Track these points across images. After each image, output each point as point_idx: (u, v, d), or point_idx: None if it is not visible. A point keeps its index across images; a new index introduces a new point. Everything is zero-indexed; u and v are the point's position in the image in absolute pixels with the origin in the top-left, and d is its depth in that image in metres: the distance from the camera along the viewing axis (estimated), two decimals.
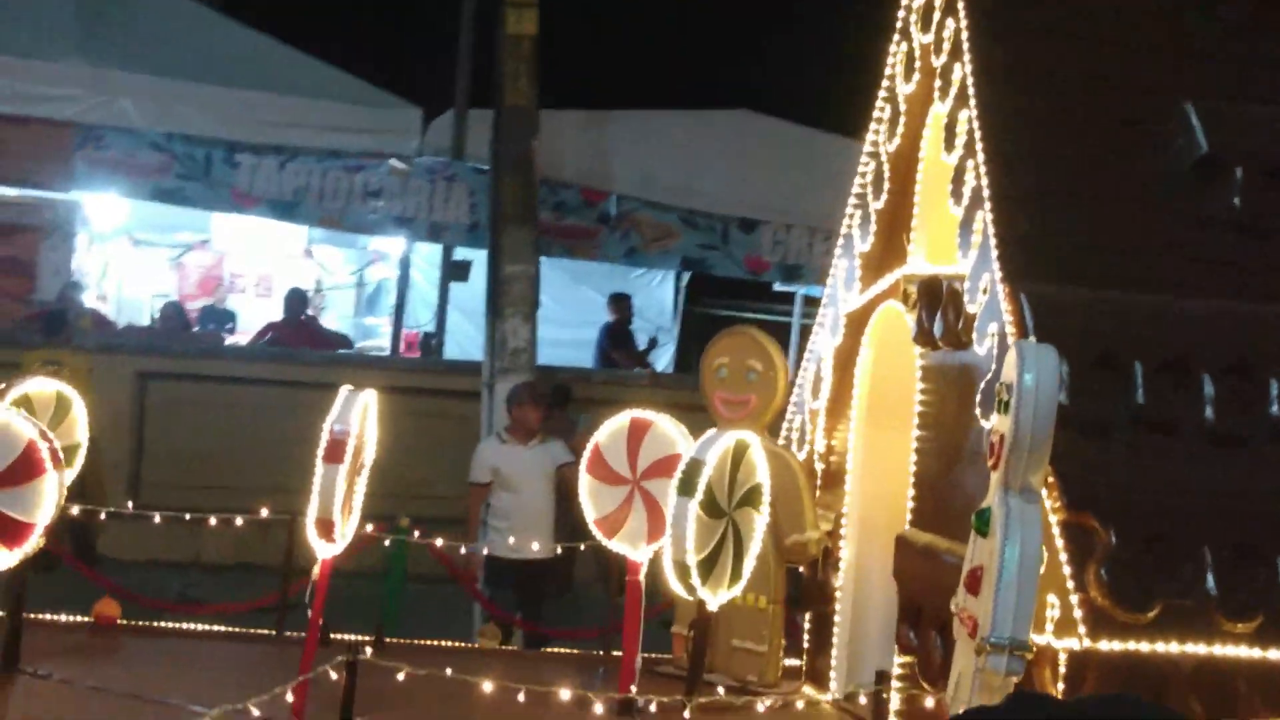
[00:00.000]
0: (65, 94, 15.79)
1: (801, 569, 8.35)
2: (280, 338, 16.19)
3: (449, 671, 5.94)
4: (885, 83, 8.02)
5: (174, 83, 16.01)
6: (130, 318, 17.19)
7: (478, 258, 16.44)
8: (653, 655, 8.00)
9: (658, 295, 19.12)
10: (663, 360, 19.03)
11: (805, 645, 8.49)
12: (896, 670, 7.43)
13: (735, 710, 7.16)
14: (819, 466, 8.51)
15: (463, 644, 8.92)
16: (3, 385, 7.21)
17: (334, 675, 5.83)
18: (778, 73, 20.18)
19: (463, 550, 10.03)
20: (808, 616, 8.51)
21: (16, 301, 16.51)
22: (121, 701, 6.52)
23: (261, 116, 16.21)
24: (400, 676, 5.95)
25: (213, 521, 9.43)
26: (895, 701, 7.39)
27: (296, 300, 16.45)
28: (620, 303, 17.45)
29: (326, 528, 6.60)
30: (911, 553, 7.37)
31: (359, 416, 6.70)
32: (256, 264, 17.91)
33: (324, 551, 6.73)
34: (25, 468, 5.78)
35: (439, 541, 9.65)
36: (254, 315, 17.34)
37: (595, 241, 17.72)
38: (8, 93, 15.62)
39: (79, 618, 8.28)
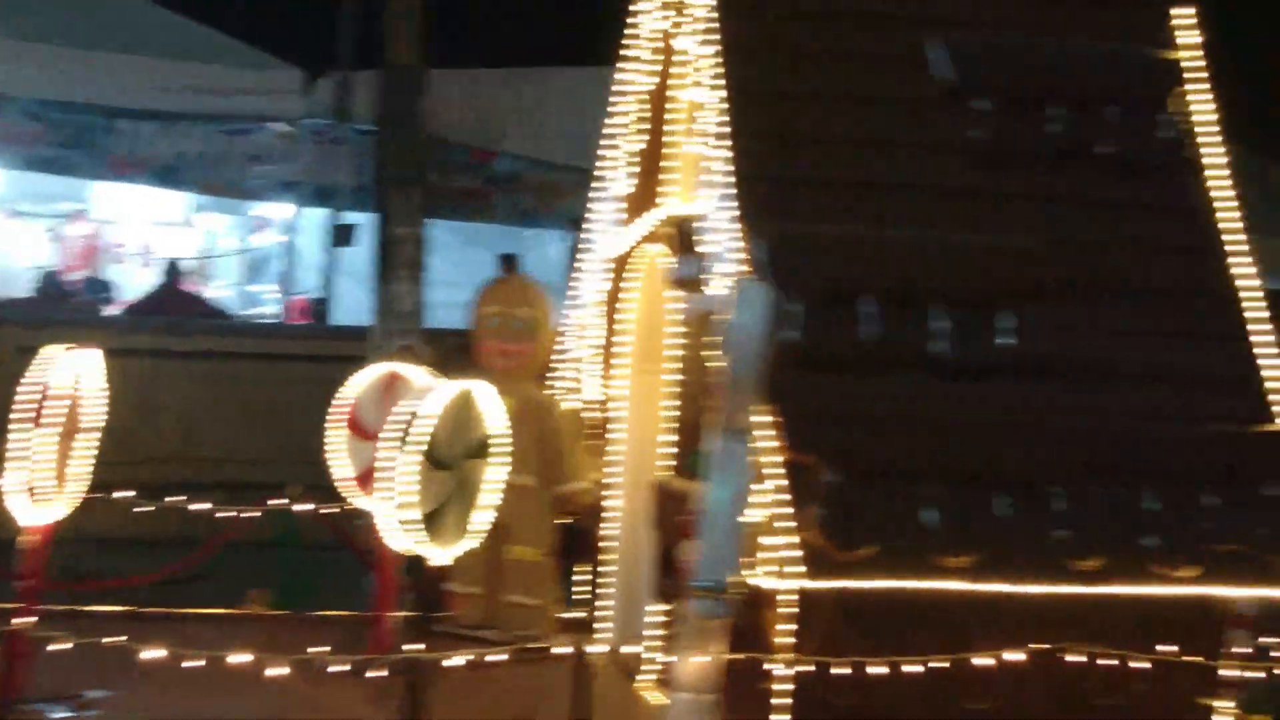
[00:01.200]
0: None
1: (575, 521, 8.21)
2: (159, 307, 16.01)
3: (103, 640, 5.74)
4: (632, 18, 7.83)
5: (46, 48, 15.85)
6: (9, 290, 17.00)
7: (365, 221, 16.28)
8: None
9: (551, 254, 18.91)
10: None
11: (587, 598, 8.34)
12: (659, 619, 7.31)
13: (516, 665, 6.99)
14: (592, 415, 8.35)
15: (235, 611, 8.77)
16: None
17: None
18: None
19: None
20: (583, 569, 8.36)
21: None
22: None
23: (138, 81, 16.05)
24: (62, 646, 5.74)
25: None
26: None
27: (174, 269, 16.28)
28: (509, 263, 17.23)
29: (30, 493, 6.45)
30: (668, 500, 7.24)
31: (70, 376, 6.52)
32: (137, 233, 17.72)
33: (29, 518, 6.55)
34: None
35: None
36: (136, 284, 17.16)
37: (487, 203, 17.59)
38: None
39: None
